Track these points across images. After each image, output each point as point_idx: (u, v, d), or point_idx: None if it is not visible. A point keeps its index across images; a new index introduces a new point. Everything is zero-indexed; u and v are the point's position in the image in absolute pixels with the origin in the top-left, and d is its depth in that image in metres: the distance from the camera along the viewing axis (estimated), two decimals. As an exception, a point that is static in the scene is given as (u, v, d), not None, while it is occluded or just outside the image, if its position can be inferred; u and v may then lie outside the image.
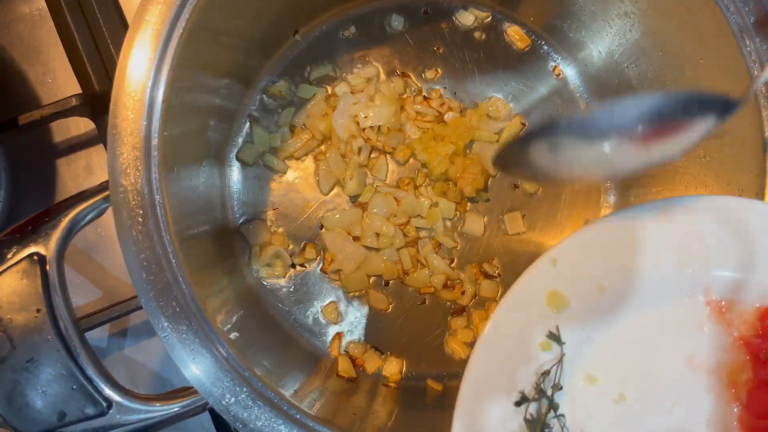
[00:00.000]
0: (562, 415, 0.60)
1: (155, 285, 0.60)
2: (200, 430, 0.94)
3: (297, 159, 0.95)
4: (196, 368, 0.60)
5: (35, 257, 0.58)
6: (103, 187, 0.63)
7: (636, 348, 0.61)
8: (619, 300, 0.61)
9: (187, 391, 0.63)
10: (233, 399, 0.60)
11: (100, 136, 0.98)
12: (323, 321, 0.92)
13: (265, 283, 0.92)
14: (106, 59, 0.99)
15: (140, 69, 0.62)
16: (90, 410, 0.57)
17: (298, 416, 0.62)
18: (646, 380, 0.61)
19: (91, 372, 0.58)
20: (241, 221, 0.93)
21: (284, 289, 0.93)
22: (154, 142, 0.62)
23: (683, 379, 0.60)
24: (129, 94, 0.62)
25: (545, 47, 0.97)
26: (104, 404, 0.58)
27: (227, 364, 0.61)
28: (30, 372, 0.56)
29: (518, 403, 0.59)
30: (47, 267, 0.58)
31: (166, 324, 0.59)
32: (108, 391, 0.59)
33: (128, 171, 0.60)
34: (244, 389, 0.61)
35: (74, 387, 0.57)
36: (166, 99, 0.63)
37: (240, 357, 0.62)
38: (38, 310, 0.57)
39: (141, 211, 0.60)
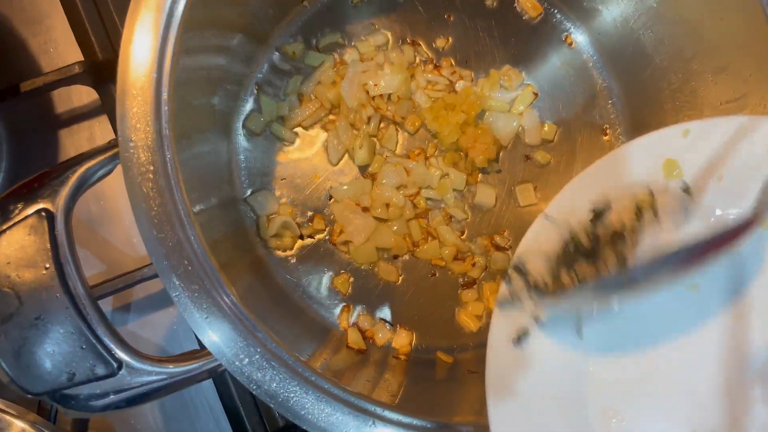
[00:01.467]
0: None
1: (166, 243, 0.58)
2: (203, 402, 0.93)
3: (305, 128, 0.93)
4: (208, 328, 0.58)
5: (43, 213, 0.56)
6: (111, 144, 0.61)
7: None
8: None
9: (199, 353, 0.61)
10: (247, 360, 0.58)
11: (103, 106, 0.96)
12: (333, 293, 0.90)
13: (273, 254, 0.91)
14: (109, 27, 0.97)
15: (148, 24, 0.60)
16: (100, 370, 0.56)
17: (313, 378, 0.61)
18: None
19: (101, 332, 0.57)
20: (248, 192, 0.91)
21: (293, 261, 0.91)
22: (165, 96, 0.60)
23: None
24: (138, 49, 0.60)
25: (558, 15, 0.95)
26: (114, 365, 0.57)
27: (241, 324, 0.59)
28: (38, 329, 0.54)
29: None
30: (55, 223, 0.56)
31: (177, 283, 0.58)
32: (118, 352, 0.57)
33: (138, 126, 0.58)
34: (258, 350, 0.59)
35: (83, 346, 0.56)
36: (175, 54, 0.61)
37: (254, 317, 0.60)
38: (46, 267, 0.55)
39: (152, 167, 0.58)
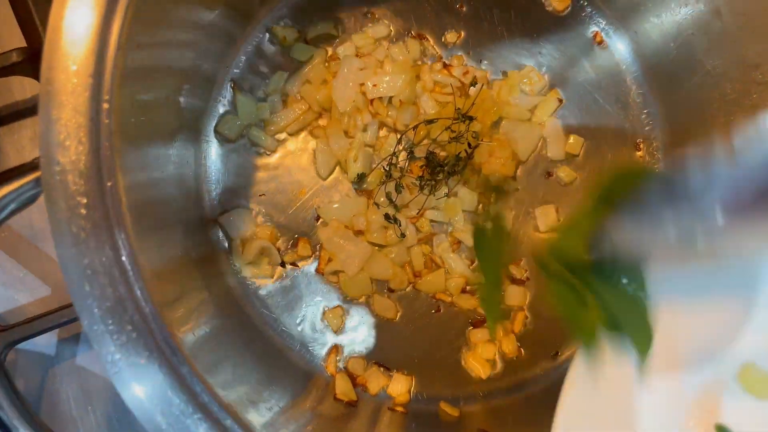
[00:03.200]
0: None
1: (103, 301, 0.43)
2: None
3: (290, 135, 0.80)
4: (160, 416, 0.44)
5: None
6: (35, 164, 0.46)
7: None
8: None
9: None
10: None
11: (48, 102, 0.82)
12: (318, 331, 0.77)
13: (248, 284, 0.77)
14: (57, 7, 0.82)
15: (86, 2, 0.45)
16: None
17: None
18: None
19: (5, 412, 0.42)
20: (220, 210, 0.78)
21: (271, 293, 0.78)
22: (105, 105, 0.45)
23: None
24: (70, 37, 0.45)
25: (588, 9, 0.82)
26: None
27: (201, 410, 0.45)
28: None
29: None
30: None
31: (118, 356, 0.43)
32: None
33: (68, 143, 0.44)
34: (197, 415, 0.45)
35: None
36: (123, 45, 0.46)
37: (221, 399, 0.46)
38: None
39: (85, 200, 0.43)
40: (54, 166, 0.43)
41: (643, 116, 0.82)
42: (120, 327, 0.44)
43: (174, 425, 0.44)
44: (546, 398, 0.77)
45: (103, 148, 0.45)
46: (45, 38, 0.75)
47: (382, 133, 0.79)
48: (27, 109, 0.86)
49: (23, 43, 0.83)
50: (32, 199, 0.46)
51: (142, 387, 0.44)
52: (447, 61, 0.81)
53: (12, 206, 0.45)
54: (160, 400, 0.44)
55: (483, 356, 0.78)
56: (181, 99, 0.71)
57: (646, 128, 0.82)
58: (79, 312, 0.43)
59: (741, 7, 0.67)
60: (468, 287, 0.79)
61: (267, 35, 0.80)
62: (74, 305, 0.43)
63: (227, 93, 0.79)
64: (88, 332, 0.43)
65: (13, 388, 0.47)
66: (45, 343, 0.82)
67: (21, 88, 0.85)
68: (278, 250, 0.78)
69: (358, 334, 0.78)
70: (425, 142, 0.79)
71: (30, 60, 0.78)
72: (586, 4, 0.82)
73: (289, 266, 0.78)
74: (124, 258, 0.44)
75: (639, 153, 0.81)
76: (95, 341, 0.44)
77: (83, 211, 0.43)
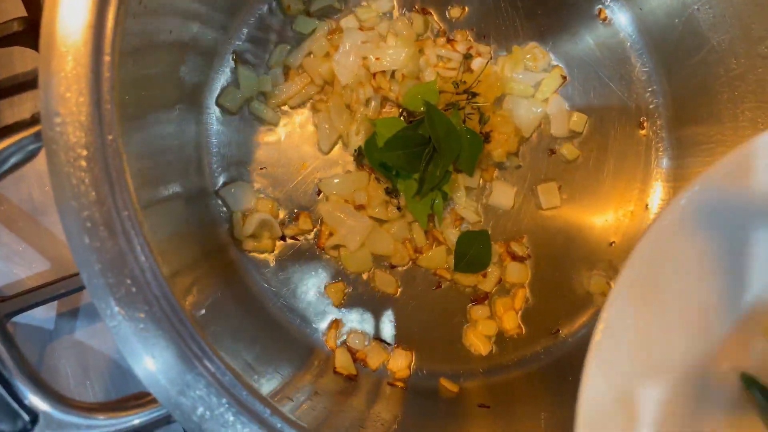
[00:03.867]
0: None
1: (103, 255, 0.43)
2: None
3: (291, 108, 0.79)
4: (157, 371, 0.44)
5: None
6: (35, 118, 0.45)
7: None
8: None
9: (144, 398, 0.47)
10: (208, 413, 0.44)
11: (49, 73, 0.81)
12: (319, 305, 0.76)
13: (248, 257, 0.76)
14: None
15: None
16: (6, 426, 0.41)
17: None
18: None
19: (10, 374, 0.42)
20: (220, 182, 0.77)
21: (272, 266, 0.77)
22: (107, 58, 0.45)
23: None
24: (72, -10, 0.44)
25: (593, -15, 0.81)
26: (26, 418, 0.42)
27: (201, 366, 0.45)
28: None
29: None
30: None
31: (116, 309, 0.43)
32: (34, 399, 0.42)
33: (68, 95, 0.43)
34: (223, 400, 0.45)
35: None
36: (124, 1, 0.46)
37: (219, 355, 0.46)
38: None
39: (85, 152, 0.43)
40: (54, 117, 0.43)
41: (648, 94, 0.81)
42: (120, 281, 0.43)
43: (173, 380, 0.44)
44: (546, 375, 0.77)
45: (104, 101, 0.44)
46: None
47: (385, 107, 0.79)
48: (28, 82, 0.84)
49: (24, 13, 0.82)
50: (33, 153, 0.46)
51: (141, 342, 0.44)
52: (451, 36, 0.80)
53: (13, 159, 0.44)
54: (159, 355, 0.44)
55: (483, 333, 0.77)
56: (183, 68, 0.70)
57: (651, 106, 0.81)
58: (79, 265, 0.43)
59: (747, -21, 0.66)
60: (469, 263, 0.78)
61: (271, 4, 0.78)
62: (74, 258, 0.43)
63: (229, 65, 0.78)
64: (88, 286, 0.43)
65: (19, 354, 0.46)
66: (44, 317, 0.82)
67: (22, 59, 0.83)
68: (279, 223, 0.77)
69: (359, 309, 0.77)
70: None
71: (31, 30, 0.76)
72: (590, -21, 0.81)
73: (289, 240, 0.77)
74: (124, 212, 0.44)
75: (642, 131, 0.81)
76: (95, 296, 0.43)
77: (83, 163, 0.43)
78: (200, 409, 0.44)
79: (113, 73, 0.45)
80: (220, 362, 0.45)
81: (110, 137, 0.44)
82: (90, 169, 0.43)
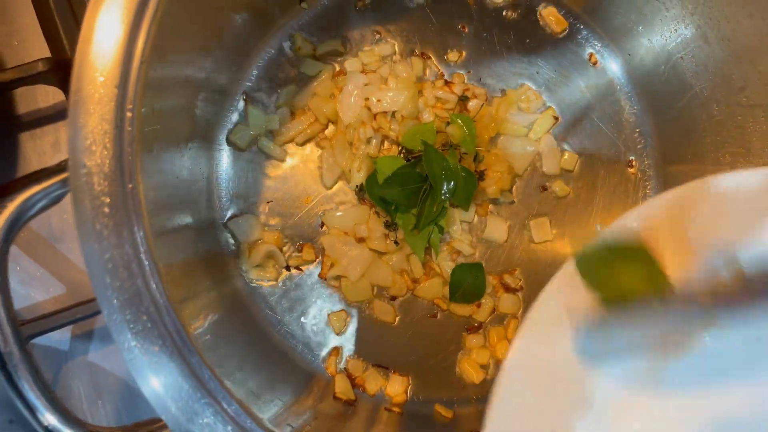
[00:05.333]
0: None
1: (122, 293, 0.47)
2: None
3: (297, 145, 0.83)
4: (168, 399, 0.48)
5: (-31, 253, 0.45)
6: (61, 167, 0.50)
7: None
8: None
9: (156, 423, 0.51)
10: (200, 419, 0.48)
11: (70, 109, 0.85)
12: (319, 333, 0.80)
13: (254, 286, 0.81)
14: (81, 21, 0.85)
15: (114, 18, 0.50)
16: (29, 448, 0.45)
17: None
18: None
19: (34, 398, 0.46)
20: (229, 215, 0.81)
21: (276, 295, 0.81)
22: (129, 114, 0.49)
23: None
24: (99, 49, 0.49)
25: (584, 32, 0.85)
26: (47, 442, 0.46)
27: (208, 396, 0.49)
28: (-46, 400, 0.44)
29: None
30: (-17, 266, 0.45)
31: (133, 343, 0.47)
32: (55, 424, 0.46)
33: (94, 148, 0.48)
34: (229, 428, 0.49)
35: (12, 419, 0.45)
36: (147, 58, 0.50)
37: (225, 386, 0.50)
38: (-31, 321, 0.44)
39: (108, 200, 0.47)
40: (81, 168, 0.47)
41: (636, 135, 0.85)
42: (137, 317, 0.47)
43: (183, 409, 0.48)
44: (537, 403, 0.80)
45: (126, 153, 0.49)
46: (74, 50, 0.79)
47: (385, 145, 0.83)
48: (49, 116, 0.88)
49: (48, 53, 0.87)
50: (58, 199, 0.50)
51: (155, 373, 0.48)
52: (448, 79, 0.84)
53: (41, 204, 0.49)
54: (171, 385, 0.48)
55: (477, 361, 0.80)
56: (197, 109, 0.75)
57: (639, 146, 0.84)
58: (100, 302, 0.47)
59: (726, 33, 0.70)
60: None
61: (280, 48, 0.83)
62: (96, 296, 0.47)
63: (239, 104, 0.82)
64: (108, 321, 0.47)
65: (40, 378, 0.50)
66: (59, 338, 0.85)
67: (45, 96, 0.87)
68: (284, 254, 0.81)
69: (358, 336, 0.81)
70: (426, 154, 0.83)
71: (54, 70, 0.81)
72: (582, 27, 0.85)
73: (293, 270, 0.81)
74: (142, 254, 0.48)
75: (631, 170, 0.84)
76: (114, 330, 0.47)
77: (106, 210, 0.47)
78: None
79: (134, 128, 0.49)
80: (226, 392, 0.49)
81: (130, 186, 0.48)
82: (112, 215, 0.47)
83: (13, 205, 0.47)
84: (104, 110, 0.48)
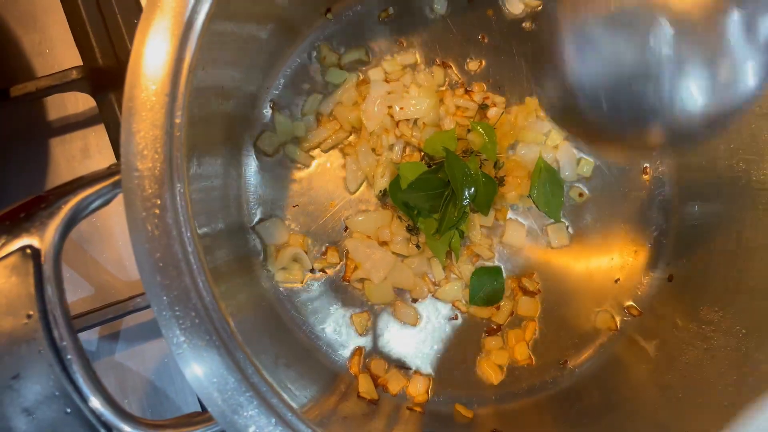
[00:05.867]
0: None
1: (171, 291, 0.50)
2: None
3: (323, 152, 0.85)
4: (214, 392, 0.50)
5: (28, 251, 0.48)
6: (112, 170, 0.52)
7: None
8: None
9: (200, 416, 0.53)
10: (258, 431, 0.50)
11: (101, 115, 0.88)
12: (343, 333, 0.82)
13: (280, 288, 0.83)
14: (112, 30, 0.88)
15: (163, 35, 0.52)
16: (85, 439, 0.47)
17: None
18: None
19: (88, 392, 0.48)
20: (257, 219, 0.83)
21: (301, 296, 0.83)
22: (177, 120, 0.52)
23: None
24: (150, 63, 0.51)
25: (601, 43, 0.87)
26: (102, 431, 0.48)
27: (252, 389, 0.51)
28: (15, 391, 0.46)
29: None
30: (42, 263, 0.48)
31: (182, 339, 0.49)
32: (108, 416, 0.48)
33: (145, 153, 0.50)
34: (273, 420, 0.51)
35: (68, 410, 0.47)
36: (193, 68, 0.53)
37: (267, 380, 0.52)
38: (29, 315, 0.46)
39: (159, 201, 0.50)
40: (133, 172, 0.50)
41: (650, 142, 0.87)
42: (185, 313, 0.50)
43: (228, 401, 0.50)
44: (554, 403, 0.82)
45: (174, 157, 0.51)
46: (105, 58, 0.81)
47: (408, 151, 0.85)
48: (78, 123, 0.89)
49: (78, 61, 0.89)
50: (110, 200, 0.52)
51: (201, 367, 0.50)
52: (468, 88, 0.87)
53: (96, 203, 0.51)
54: (217, 378, 0.50)
55: (495, 362, 0.83)
56: (229, 117, 0.77)
57: (653, 153, 0.87)
58: (150, 299, 0.49)
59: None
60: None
61: (305, 58, 0.85)
62: (146, 293, 0.49)
63: (267, 112, 0.85)
64: (158, 317, 0.49)
65: (95, 376, 0.52)
66: (86, 338, 0.87)
67: (75, 102, 0.89)
68: (309, 257, 0.83)
69: (381, 337, 0.83)
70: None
71: (86, 78, 0.83)
72: (598, 38, 0.88)
73: (318, 272, 0.83)
74: (190, 254, 0.50)
75: (646, 177, 0.87)
76: (163, 326, 0.50)
77: (157, 211, 0.50)
78: (252, 428, 0.50)
79: (182, 133, 0.52)
80: (268, 387, 0.51)
81: (179, 188, 0.51)
82: (162, 217, 0.50)
83: (68, 206, 0.49)
84: (155, 117, 0.51)
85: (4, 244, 0.47)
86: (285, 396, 0.55)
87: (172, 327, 0.50)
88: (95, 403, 0.48)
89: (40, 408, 0.47)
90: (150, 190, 0.50)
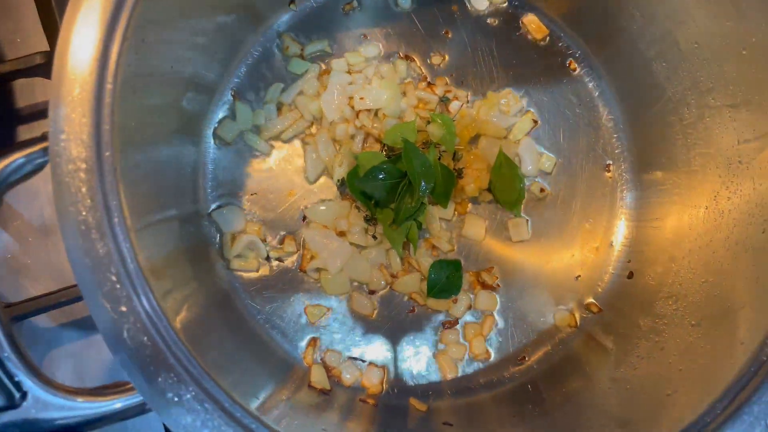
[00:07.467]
0: None
1: (93, 254, 0.49)
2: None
3: (283, 141, 0.85)
4: (133, 362, 0.49)
5: (-49, 209, 0.48)
6: (44, 136, 0.52)
7: None
8: None
9: (123, 386, 0.52)
10: (176, 398, 0.49)
11: (66, 102, 0.88)
12: (298, 323, 0.82)
13: (235, 276, 0.82)
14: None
15: (91, 22, 0.52)
16: (-2, 400, 0.47)
17: (253, 426, 0.51)
18: None
19: (4, 354, 0.47)
20: (214, 206, 0.83)
21: (256, 285, 0.82)
22: (109, 86, 0.52)
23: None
24: (81, 30, 0.52)
25: (565, 39, 0.88)
26: (17, 394, 0.47)
27: (173, 359, 0.50)
28: (-74, 347, 0.46)
29: None
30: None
31: (103, 303, 0.49)
32: (24, 379, 0.48)
33: (73, 116, 0.50)
34: (191, 388, 0.50)
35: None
36: (126, 40, 0.53)
37: (190, 348, 0.51)
38: (-56, 273, 0.46)
39: (84, 165, 0.50)
40: (60, 134, 0.50)
41: (613, 139, 0.87)
42: (104, 278, 0.49)
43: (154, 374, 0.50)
44: (510, 398, 0.81)
45: (104, 123, 0.51)
46: (60, 30, 0.82)
47: (368, 143, 0.85)
48: (46, 111, 0.91)
49: (47, 47, 0.89)
50: (42, 166, 0.52)
51: (117, 334, 0.50)
52: (431, 81, 0.87)
53: (26, 168, 0.51)
54: (143, 351, 0.50)
55: (452, 356, 0.82)
56: (184, 101, 0.77)
57: (616, 150, 0.86)
58: (72, 262, 0.49)
59: (694, 36, 0.72)
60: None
61: (266, 48, 0.86)
62: (67, 256, 0.49)
63: (227, 99, 0.85)
64: (79, 281, 0.49)
65: (14, 341, 0.52)
66: (44, 325, 0.87)
67: (43, 89, 0.89)
68: (265, 245, 0.83)
69: (336, 328, 0.82)
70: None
71: (51, 63, 0.84)
72: (562, 35, 0.88)
73: (274, 261, 0.83)
74: (115, 218, 0.50)
75: (608, 174, 0.86)
76: (84, 291, 0.49)
77: (82, 175, 0.49)
78: (169, 394, 0.49)
79: (113, 100, 0.52)
80: (190, 353, 0.51)
81: (107, 154, 0.51)
82: (88, 180, 0.50)
83: (-5, 168, 0.49)
84: (85, 81, 0.50)
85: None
86: (217, 370, 0.54)
87: (93, 294, 0.49)
88: (10, 365, 0.47)
89: (-49, 366, 0.46)
90: (75, 153, 0.50)
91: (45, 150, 0.52)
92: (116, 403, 0.50)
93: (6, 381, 0.46)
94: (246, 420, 0.51)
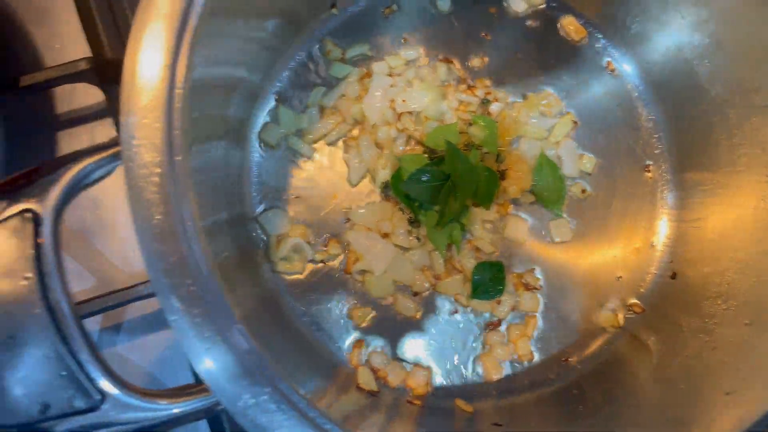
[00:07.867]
0: None
1: (168, 258, 0.50)
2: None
3: (326, 144, 0.86)
4: (209, 360, 0.50)
5: (27, 214, 0.48)
6: (113, 141, 0.53)
7: None
8: None
9: (194, 387, 0.53)
10: (253, 400, 0.50)
11: (108, 108, 0.89)
12: (344, 325, 0.82)
13: (281, 278, 0.83)
14: (121, 24, 0.90)
15: (157, 41, 0.53)
16: (79, 403, 0.47)
17: (328, 427, 0.52)
18: None
19: (84, 357, 0.48)
20: (259, 209, 0.83)
21: (302, 287, 0.83)
22: (178, 92, 0.52)
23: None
24: (150, 38, 0.52)
25: (602, 40, 0.89)
26: (97, 397, 0.48)
27: (247, 358, 0.51)
28: (10, 351, 0.46)
29: None
30: (42, 227, 0.48)
31: (177, 305, 0.49)
32: (103, 382, 0.48)
33: (145, 122, 0.51)
34: (266, 389, 0.51)
35: (63, 373, 0.47)
36: (195, 45, 0.54)
37: (263, 350, 0.52)
38: (26, 277, 0.47)
39: (158, 170, 0.50)
40: (132, 140, 0.50)
41: (653, 140, 0.87)
42: (181, 281, 0.50)
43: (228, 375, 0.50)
44: (556, 399, 0.81)
45: (174, 128, 0.52)
46: (114, 50, 0.83)
47: (410, 145, 0.85)
48: (86, 116, 0.90)
49: (89, 53, 0.90)
50: (110, 171, 0.53)
51: (196, 336, 0.50)
52: (471, 83, 0.88)
53: (97, 173, 0.51)
54: (215, 350, 0.50)
55: (497, 357, 0.82)
56: (231, 108, 0.78)
57: (656, 151, 0.87)
58: (148, 266, 0.49)
59: (740, 37, 0.73)
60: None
61: (310, 51, 0.87)
62: (144, 260, 0.49)
63: (271, 104, 0.85)
64: (154, 284, 0.49)
65: (91, 344, 0.52)
66: (89, 329, 0.87)
67: (83, 95, 0.89)
68: (310, 248, 0.83)
69: (381, 330, 0.82)
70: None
71: (95, 69, 0.85)
72: (600, 36, 0.89)
73: (319, 263, 0.83)
74: (187, 221, 0.51)
75: (648, 174, 0.87)
76: (159, 293, 0.49)
77: (156, 179, 0.50)
78: (245, 396, 0.50)
79: (183, 105, 0.52)
80: (263, 354, 0.51)
81: (179, 158, 0.51)
82: (161, 185, 0.50)
83: (68, 174, 0.50)
84: (156, 88, 0.51)
85: (4, 208, 0.48)
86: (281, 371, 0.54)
87: (168, 295, 0.50)
88: (90, 367, 0.48)
89: (35, 370, 0.47)
90: (149, 158, 0.50)
91: (114, 155, 0.52)
92: (190, 405, 0.51)
93: (88, 385, 0.47)
94: (319, 420, 0.52)
